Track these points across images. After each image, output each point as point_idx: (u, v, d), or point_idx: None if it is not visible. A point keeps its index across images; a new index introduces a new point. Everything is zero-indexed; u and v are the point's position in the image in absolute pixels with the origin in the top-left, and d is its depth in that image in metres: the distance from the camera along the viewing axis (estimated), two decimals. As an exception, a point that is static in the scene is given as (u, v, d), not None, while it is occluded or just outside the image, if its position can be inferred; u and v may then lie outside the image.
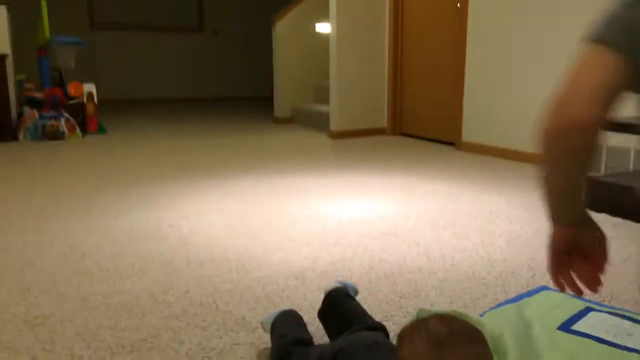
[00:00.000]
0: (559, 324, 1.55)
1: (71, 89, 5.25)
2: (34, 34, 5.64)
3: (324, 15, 6.21)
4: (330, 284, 1.61)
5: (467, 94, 4.48)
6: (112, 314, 1.66)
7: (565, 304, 1.67)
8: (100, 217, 2.63)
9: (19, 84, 5.34)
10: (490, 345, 1.45)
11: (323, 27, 6.32)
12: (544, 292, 1.76)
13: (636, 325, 1.53)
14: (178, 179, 3.43)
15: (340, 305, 1.48)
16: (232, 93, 9.34)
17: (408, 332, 0.92)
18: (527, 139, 3.99)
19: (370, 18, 5.27)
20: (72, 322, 1.61)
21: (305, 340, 1.33)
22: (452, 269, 2.02)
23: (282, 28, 6.28)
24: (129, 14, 8.47)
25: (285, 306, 1.68)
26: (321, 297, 1.56)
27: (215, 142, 4.96)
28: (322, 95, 6.29)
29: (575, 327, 1.53)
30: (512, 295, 1.78)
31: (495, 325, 1.48)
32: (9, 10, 5.12)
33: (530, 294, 1.75)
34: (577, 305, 1.66)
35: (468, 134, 4.52)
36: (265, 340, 1.46)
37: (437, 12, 4.85)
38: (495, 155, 4.22)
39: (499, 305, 1.67)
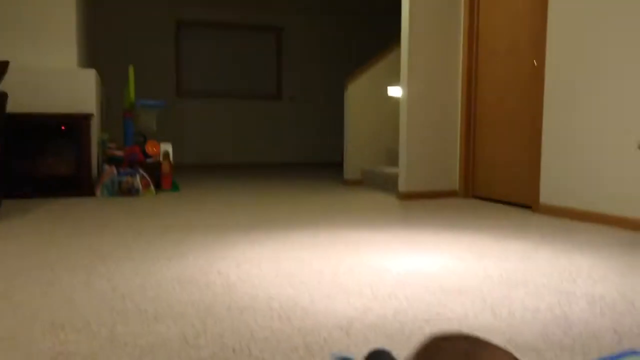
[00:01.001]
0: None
1: (149, 148, 5.47)
2: (123, 99, 6.01)
3: (396, 77, 6.21)
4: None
5: (545, 154, 4.21)
6: (138, 353, 1.55)
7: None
8: (150, 261, 2.59)
9: (102, 143, 5.64)
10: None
11: (395, 90, 6.31)
12: (633, 357, 1.47)
13: None
14: (237, 231, 3.37)
15: None
16: (307, 159, 9.45)
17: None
18: (610, 202, 3.64)
19: (443, 79, 5.19)
20: (95, 360, 1.50)
21: None
22: (522, 328, 1.75)
23: (354, 90, 6.32)
24: (213, 83, 8.93)
25: (325, 358, 1.50)
26: (365, 350, 1.37)
27: (283, 200, 4.92)
28: (393, 157, 6.18)
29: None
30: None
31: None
32: (100, 73, 5.50)
33: (616, 357, 1.47)
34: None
35: (546, 196, 4.20)
36: (294, 390, 1.28)
37: (513, 70, 4.68)
38: (576, 219, 3.87)
39: (575, 369, 1.40)
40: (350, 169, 6.39)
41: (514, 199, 4.66)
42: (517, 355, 0.77)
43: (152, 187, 5.23)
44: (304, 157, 9.48)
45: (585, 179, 3.88)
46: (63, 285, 2.19)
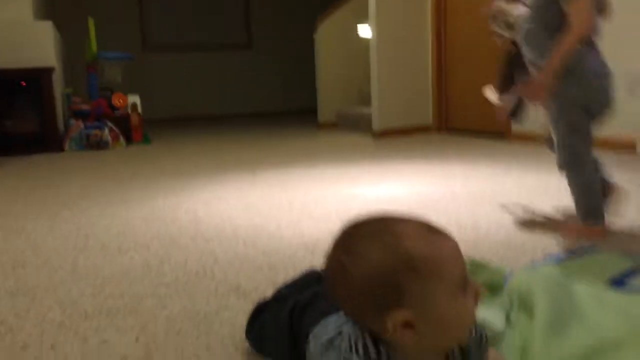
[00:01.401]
0: (607, 279, 1.28)
1: (115, 100, 5.33)
2: (84, 52, 5.81)
3: (366, 18, 6.08)
4: None
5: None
6: (100, 283, 1.53)
7: (619, 261, 1.40)
8: (117, 204, 2.54)
9: (67, 98, 5.48)
10: (516, 302, 1.21)
11: (365, 30, 6.18)
12: (593, 251, 1.49)
13: None
14: (209, 174, 3.32)
15: None
16: (280, 107, 9.33)
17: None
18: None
19: (413, 15, 5.08)
20: (55, 292, 1.48)
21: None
22: (485, 238, 1.76)
23: (324, 32, 6.18)
24: (180, 34, 8.66)
25: (288, 276, 1.50)
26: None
27: (257, 146, 4.86)
28: (366, 98, 6.11)
29: (628, 282, 1.26)
30: (553, 258, 1.51)
31: (524, 280, 1.23)
32: (59, 28, 5.28)
33: (576, 253, 1.49)
34: (632, 262, 1.38)
35: (518, 124, 4.20)
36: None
37: (484, 2, 4.59)
38: (549, 143, 3.89)
39: (535, 265, 1.41)
40: (324, 112, 6.32)
41: (487, 130, 4.66)
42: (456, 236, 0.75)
43: (121, 139, 5.12)
44: (278, 106, 9.36)
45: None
46: (27, 231, 2.15)
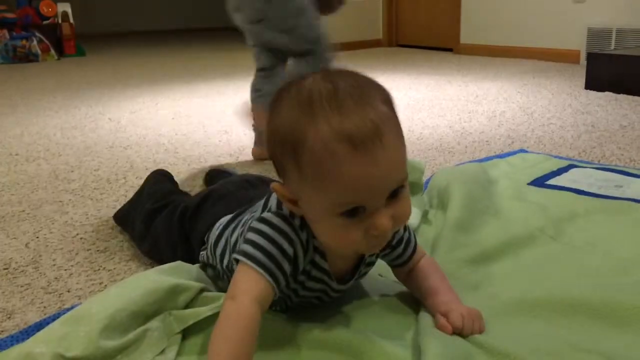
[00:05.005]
0: (531, 179, 1.24)
1: (43, 8, 4.91)
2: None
3: None
4: None
5: (467, -9, 4.04)
6: (-2, 190, 1.41)
7: (545, 163, 1.36)
8: (34, 113, 2.36)
9: (-11, 5, 5.02)
10: (435, 200, 1.16)
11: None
12: (521, 154, 1.45)
13: (629, 177, 1.22)
14: (142, 86, 3.12)
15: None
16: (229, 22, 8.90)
17: (278, 96, 0.62)
18: (530, 34, 3.58)
19: None
20: (-53, 199, 1.35)
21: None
22: (417, 142, 1.70)
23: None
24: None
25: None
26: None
27: (198, 59, 4.61)
28: (316, 10, 5.85)
29: (551, 182, 1.22)
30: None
31: (443, 178, 1.18)
32: None
33: (503, 156, 1.45)
34: (559, 163, 1.35)
35: (466, 37, 4.11)
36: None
37: None
38: (497, 55, 3.82)
39: (460, 165, 1.36)
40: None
41: (436, 44, 4.55)
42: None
43: (52, 51, 4.78)
44: (228, 21, 8.92)
45: (505, 14, 3.78)
46: None
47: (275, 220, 0.63)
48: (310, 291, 0.70)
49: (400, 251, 0.74)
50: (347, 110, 0.57)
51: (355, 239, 0.60)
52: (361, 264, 0.71)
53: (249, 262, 0.61)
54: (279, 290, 0.62)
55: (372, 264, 0.74)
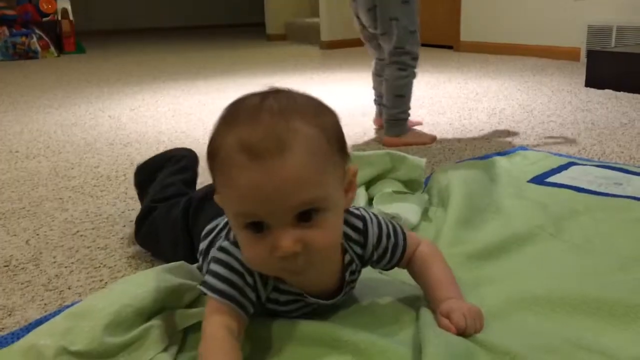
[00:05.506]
0: (531, 177, 1.24)
1: (43, 5, 4.91)
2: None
3: None
4: None
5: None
6: (-2, 188, 1.41)
7: (545, 160, 1.36)
8: (35, 110, 2.36)
9: (-11, 3, 5.02)
10: (436, 198, 1.16)
11: None
12: (521, 152, 1.45)
13: (629, 175, 1.22)
14: (142, 83, 3.12)
15: None
16: (228, 19, 8.90)
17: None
18: (530, 32, 3.58)
19: None
20: (-53, 196, 1.35)
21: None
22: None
23: None
24: None
25: (207, 180, 1.41)
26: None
27: (200, 56, 4.61)
28: (317, 7, 5.85)
29: (551, 179, 1.22)
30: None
31: (444, 176, 1.18)
32: None
33: (503, 154, 1.45)
34: (559, 161, 1.35)
35: (466, 34, 4.11)
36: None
37: None
38: (497, 52, 3.82)
39: (460, 162, 1.36)
40: (273, 23, 6.02)
41: (437, 41, 4.54)
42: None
43: (52, 48, 4.77)
44: (225, 18, 8.91)
45: (505, 11, 3.77)
46: None
47: (232, 249, 0.64)
48: (295, 310, 0.70)
49: (387, 260, 0.73)
50: (259, 124, 0.57)
51: (261, 256, 0.59)
52: (344, 283, 0.70)
53: (212, 294, 0.63)
54: (253, 311, 0.64)
55: (354, 280, 0.73)
